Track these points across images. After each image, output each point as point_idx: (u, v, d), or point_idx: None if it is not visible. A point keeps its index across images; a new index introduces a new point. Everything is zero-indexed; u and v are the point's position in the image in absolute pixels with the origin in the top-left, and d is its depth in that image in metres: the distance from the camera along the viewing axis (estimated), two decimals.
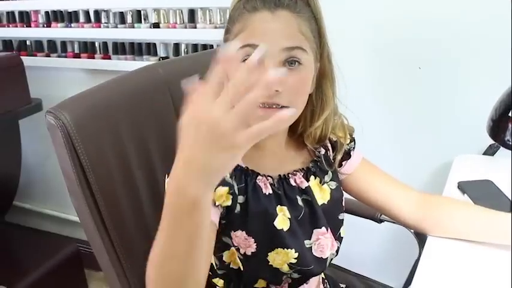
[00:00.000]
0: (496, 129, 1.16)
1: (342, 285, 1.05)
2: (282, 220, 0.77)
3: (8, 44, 2.08)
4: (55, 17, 1.91)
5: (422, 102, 1.39)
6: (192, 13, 1.63)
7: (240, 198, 0.75)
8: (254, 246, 0.76)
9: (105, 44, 1.85)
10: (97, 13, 1.82)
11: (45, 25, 1.93)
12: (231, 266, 0.80)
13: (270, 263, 0.77)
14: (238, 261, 0.78)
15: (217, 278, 0.83)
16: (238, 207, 0.75)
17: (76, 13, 1.85)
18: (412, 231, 1.11)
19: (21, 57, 1.81)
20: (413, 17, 1.32)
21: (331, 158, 0.88)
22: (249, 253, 0.76)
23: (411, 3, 1.32)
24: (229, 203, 0.73)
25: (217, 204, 0.72)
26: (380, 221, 1.19)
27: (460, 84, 1.33)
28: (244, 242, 0.76)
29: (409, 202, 0.92)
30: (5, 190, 2.14)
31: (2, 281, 1.72)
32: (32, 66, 1.88)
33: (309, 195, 0.81)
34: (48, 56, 1.98)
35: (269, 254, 0.76)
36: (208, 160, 0.48)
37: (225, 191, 0.73)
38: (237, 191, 0.74)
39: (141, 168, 0.92)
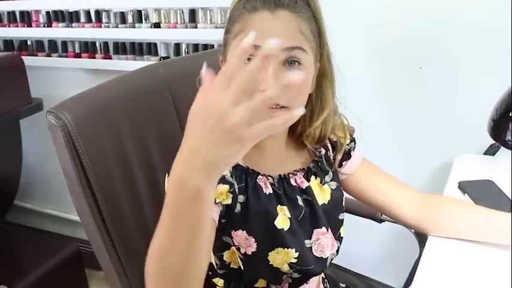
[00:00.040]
0: (497, 129, 1.16)
1: (342, 285, 1.05)
2: (282, 220, 0.77)
3: (8, 43, 2.08)
4: (56, 16, 1.91)
5: (422, 102, 1.39)
6: (192, 13, 1.63)
7: (241, 198, 0.75)
8: (254, 245, 0.76)
9: (105, 44, 1.85)
10: (98, 13, 1.82)
11: (46, 25, 1.93)
12: (231, 265, 0.80)
13: (270, 263, 0.77)
14: (239, 260, 0.78)
15: (218, 278, 0.83)
16: (238, 207, 0.75)
17: (77, 13, 1.85)
18: (413, 231, 1.11)
19: (22, 57, 1.81)
20: (414, 17, 1.32)
21: (331, 158, 0.88)
22: (249, 253, 0.76)
23: (411, 3, 1.32)
24: (229, 201, 0.74)
25: (217, 201, 0.72)
26: (380, 220, 1.19)
27: (461, 84, 1.33)
28: (244, 241, 0.76)
29: (410, 202, 0.92)
30: (6, 190, 2.14)
31: (2, 280, 1.72)
32: (33, 66, 1.88)
33: (310, 195, 0.81)
34: (49, 55, 1.99)
35: (269, 253, 0.76)
36: (214, 152, 0.48)
37: (226, 189, 0.73)
38: (237, 190, 0.74)
39: (141, 168, 0.92)
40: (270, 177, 0.79)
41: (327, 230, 0.82)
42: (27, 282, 1.77)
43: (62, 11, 1.88)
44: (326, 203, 0.84)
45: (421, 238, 1.09)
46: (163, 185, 0.76)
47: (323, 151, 0.87)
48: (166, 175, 0.74)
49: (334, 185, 0.86)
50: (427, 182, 1.43)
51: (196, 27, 1.63)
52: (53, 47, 1.97)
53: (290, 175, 0.81)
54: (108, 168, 0.85)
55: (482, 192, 1.05)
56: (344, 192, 0.91)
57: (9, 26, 2.04)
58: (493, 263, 0.82)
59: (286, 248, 0.76)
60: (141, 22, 1.73)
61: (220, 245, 0.78)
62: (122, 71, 1.33)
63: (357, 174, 0.92)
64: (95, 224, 0.83)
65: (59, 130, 0.78)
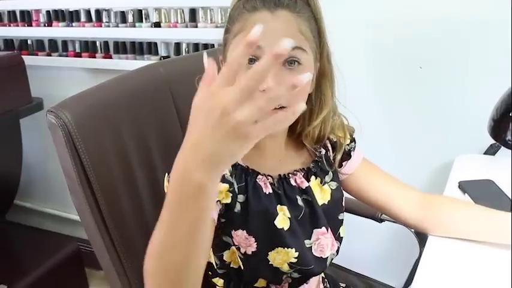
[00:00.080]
0: (497, 129, 1.16)
1: (342, 285, 1.05)
2: (282, 219, 0.77)
3: (9, 43, 2.08)
4: (56, 16, 1.91)
5: (422, 101, 1.39)
6: (193, 12, 1.63)
7: (240, 197, 0.75)
8: (254, 245, 0.76)
9: (106, 43, 1.85)
10: (98, 12, 1.82)
11: (46, 24, 1.93)
12: (231, 265, 0.80)
13: (270, 263, 0.77)
14: (239, 260, 0.78)
15: (217, 278, 0.83)
16: (238, 206, 0.75)
17: (77, 12, 1.85)
18: (413, 230, 1.11)
19: (23, 56, 1.81)
20: (414, 17, 1.32)
21: (331, 158, 0.88)
22: (249, 252, 0.76)
23: (411, 3, 1.32)
24: (228, 200, 0.73)
25: (216, 200, 0.72)
26: (380, 220, 1.19)
27: (461, 84, 1.33)
28: (244, 241, 0.76)
29: (410, 202, 0.92)
30: (6, 189, 2.14)
31: (2, 280, 1.73)
32: (33, 66, 1.88)
33: (309, 195, 0.81)
34: (49, 55, 1.98)
35: (269, 253, 0.76)
36: (217, 148, 0.47)
37: (225, 188, 0.73)
38: (237, 190, 0.74)
39: (141, 167, 0.92)
40: (269, 177, 0.79)
41: (327, 230, 0.82)
42: (27, 281, 1.77)
43: (62, 11, 1.88)
44: (326, 203, 0.84)
45: (421, 238, 1.09)
46: (163, 184, 0.76)
47: (323, 151, 0.86)
48: (166, 175, 0.74)
49: (334, 185, 0.86)
50: (428, 182, 1.43)
51: (196, 26, 1.63)
52: (53, 47, 1.97)
53: (290, 175, 0.81)
54: (108, 167, 0.85)
55: (482, 192, 1.05)
56: (344, 192, 0.91)
57: (9, 26, 2.04)
58: (493, 263, 0.82)
59: (286, 248, 0.76)
60: (142, 21, 1.72)
61: (220, 244, 0.78)
62: (122, 70, 1.32)
63: (357, 174, 0.92)
64: (95, 224, 0.83)
65: (59, 129, 0.78)
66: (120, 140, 0.89)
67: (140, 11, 1.72)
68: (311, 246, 0.80)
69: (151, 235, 0.56)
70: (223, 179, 0.72)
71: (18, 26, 2.02)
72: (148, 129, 0.95)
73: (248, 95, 0.45)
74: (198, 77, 0.49)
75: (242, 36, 0.71)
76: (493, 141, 1.26)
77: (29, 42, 2.03)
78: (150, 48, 1.75)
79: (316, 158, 0.86)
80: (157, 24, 1.70)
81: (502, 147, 1.24)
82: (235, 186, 0.74)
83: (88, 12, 1.83)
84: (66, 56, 1.95)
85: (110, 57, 1.85)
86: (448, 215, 0.91)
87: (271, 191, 0.78)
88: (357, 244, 1.30)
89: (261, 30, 0.44)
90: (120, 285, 0.88)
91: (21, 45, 2.05)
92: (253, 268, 0.78)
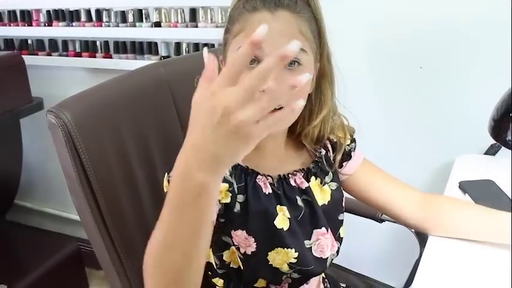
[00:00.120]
0: (498, 129, 1.16)
1: (342, 285, 1.05)
2: (282, 220, 0.77)
3: (9, 42, 2.08)
4: (56, 16, 1.91)
5: (423, 101, 1.39)
6: (193, 12, 1.63)
7: (240, 197, 0.75)
8: (254, 245, 0.76)
9: (106, 43, 1.85)
10: (98, 12, 1.82)
11: (46, 24, 1.93)
12: (231, 265, 0.80)
13: (270, 263, 0.77)
14: (238, 260, 0.78)
15: (217, 278, 0.83)
16: (238, 206, 0.75)
17: (77, 12, 1.85)
18: (413, 230, 1.11)
19: (23, 56, 1.81)
20: (414, 16, 1.32)
21: (331, 158, 0.88)
22: (249, 252, 0.76)
23: (411, 3, 1.32)
24: (228, 200, 0.73)
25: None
26: (381, 220, 1.19)
27: (461, 84, 1.33)
28: (244, 241, 0.76)
29: (410, 202, 0.92)
30: (6, 189, 2.14)
31: (2, 279, 1.73)
32: (33, 65, 1.88)
33: (309, 196, 0.81)
34: (49, 55, 1.98)
35: (269, 253, 0.76)
36: (219, 148, 0.47)
37: (225, 188, 0.73)
38: (236, 190, 0.74)
39: (141, 167, 0.92)
40: (269, 177, 0.79)
41: (327, 231, 0.82)
42: (27, 281, 1.77)
43: (63, 10, 1.88)
44: (326, 203, 0.84)
45: (422, 238, 1.09)
46: (163, 184, 0.76)
47: (323, 152, 0.86)
48: (166, 175, 0.74)
49: (334, 185, 0.86)
50: (428, 182, 1.43)
51: (196, 26, 1.63)
52: (53, 46, 1.97)
53: (290, 175, 0.81)
54: (108, 167, 0.85)
55: (482, 192, 1.05)
56: (344, 192, 0.91)
57: (9, 25, 2.04)
58: (493, 263, 0.82)
59: (285, 248, 0.76)
60: (142, 21, 1.72)
61: (220, 244, 0.78)
62: (123, 70, 1.33)
63: (357, 174, 0.92)
64: (95, 223, 0.83)
65: (59, 129, 0.78)
66: (120, 140, 0.89)
67: (140, 10, 1.72)
68: (311, 247, 0.80)
69: (151, 235, 0.56)
70: (223, 179, 0.72)
71: (18, 25, 2.02)
72: (148, 128, 0.95)
73: (251, 95, 0.45)
74: (198, 77, 0.49)
75: (242, 36, 0.71)
76: (493, 142, 1.26)
77: (29, 41, 2.03)
78: (151, 48, 1.75)
79: (316, 159, 0.85)
80: (157, 24, 1.70)
81: (503, 147, 1.24)
82: (235, 186, 0.74)
83: (88, 12, 1.83)
84: (67, 55, 1.95)
85: (110, 57, 1.85)
86: (448, 215, 0.91)
87: (270, 191, 0.78)
88: (357, 244, 1.30)
89: (266, 30, 0.44)
90: (120, 285, 0.88)
91: (22, 45, 2.05)
92: (252, 268, 0.78)
